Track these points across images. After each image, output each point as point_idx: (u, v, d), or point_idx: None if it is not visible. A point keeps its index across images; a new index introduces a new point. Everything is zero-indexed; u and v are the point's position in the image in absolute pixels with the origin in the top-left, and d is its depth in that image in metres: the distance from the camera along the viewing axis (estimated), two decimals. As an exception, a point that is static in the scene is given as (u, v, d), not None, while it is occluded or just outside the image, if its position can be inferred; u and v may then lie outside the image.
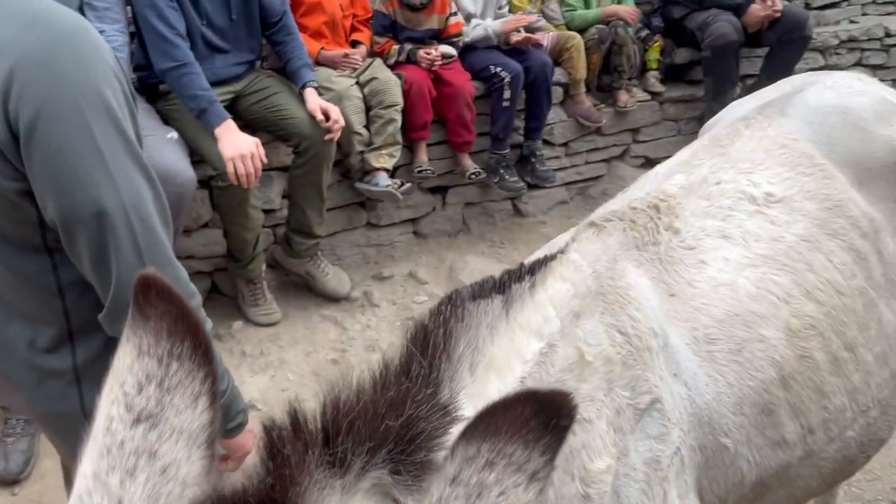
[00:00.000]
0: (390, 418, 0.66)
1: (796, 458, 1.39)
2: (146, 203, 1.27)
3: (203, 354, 0.63)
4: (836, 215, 1.53)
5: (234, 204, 3.30)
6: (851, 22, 5.78)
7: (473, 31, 4.31)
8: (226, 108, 3.18)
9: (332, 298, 3.84)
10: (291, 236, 3.67)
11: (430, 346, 0.82)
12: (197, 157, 3.22)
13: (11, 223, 1.28)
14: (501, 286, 1.03)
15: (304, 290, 3.91)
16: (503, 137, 4.32)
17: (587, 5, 4.86)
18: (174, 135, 3.14)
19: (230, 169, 3.02)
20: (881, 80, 2.08)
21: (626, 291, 1.22)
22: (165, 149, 2.99)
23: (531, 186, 4.52)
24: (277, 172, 3.74)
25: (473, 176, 4.25)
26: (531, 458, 0.49)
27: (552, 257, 1.17)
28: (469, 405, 0.88)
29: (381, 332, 3.68)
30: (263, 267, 3.65)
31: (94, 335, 1.39)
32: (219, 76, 3.30)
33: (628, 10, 4.80)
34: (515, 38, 4.26)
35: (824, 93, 1.76)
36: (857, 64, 5.55)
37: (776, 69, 4.74)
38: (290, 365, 3.44)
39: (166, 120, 3.26)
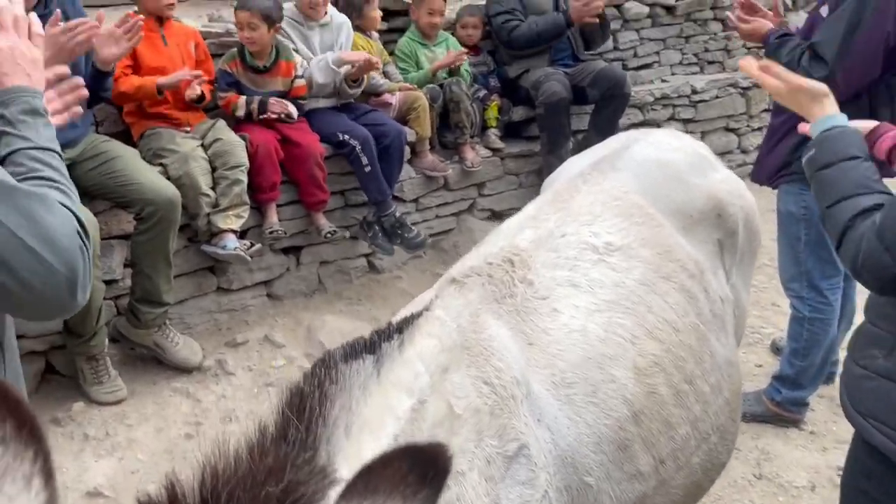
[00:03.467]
0: (270, 485, 0.65)
1: (651, 488, 1.49)
2: None
3: (29, 432, 0.60)
4: (667, 259, 1.68)
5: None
6: (663, 81, 6.40)
7: (315, 68, 4.27)
8: None
9: (183, 369, 3.65)
10: (137, 306, 3.48)
11: (306, 409, 0.82)
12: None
13: None
14: (372, 346, 1.04)
15: (151, 363, 3.69)
16: (383, 199, 4.34)
17: (418, 66, 5.05)
18: None
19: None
20: (691, 133, 2.33)
21: (488, 343, 1.27)
22: None
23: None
24: (118, 241, 3.55)
25: (329, 235, 4.23)
26: None
27: (418, 314, 1.20)
28: (345, 466, 0.89)
29: (238, 402, 3.53)
30: (106, 341, 3.43)
31: None
32: None
33: (451, 54, 4.96)
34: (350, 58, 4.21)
35: (647, 148, 1.96)
36: (671, 118, 6.14)
37: (602, 124, 5.16)
38: (140, 444, 3.21)
39: None
